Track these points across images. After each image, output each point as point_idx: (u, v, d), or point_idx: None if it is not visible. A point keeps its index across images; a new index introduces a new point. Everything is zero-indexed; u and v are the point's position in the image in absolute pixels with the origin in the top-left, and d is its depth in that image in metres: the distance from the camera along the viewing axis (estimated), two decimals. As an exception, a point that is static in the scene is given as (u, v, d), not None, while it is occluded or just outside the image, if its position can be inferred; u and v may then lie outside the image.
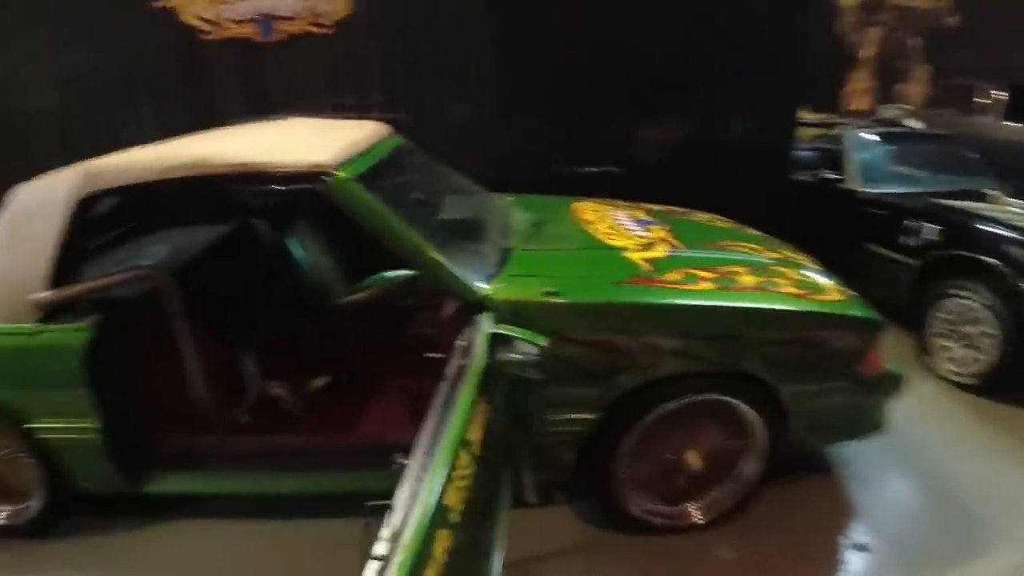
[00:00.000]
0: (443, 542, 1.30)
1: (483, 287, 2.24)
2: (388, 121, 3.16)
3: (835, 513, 2.70)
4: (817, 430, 2.58)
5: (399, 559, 1.18)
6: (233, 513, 2.67)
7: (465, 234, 2.66)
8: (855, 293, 2.70)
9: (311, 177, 2.23)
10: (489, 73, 4.24)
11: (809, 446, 2.78)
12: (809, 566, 2.47)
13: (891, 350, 2.75)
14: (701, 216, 3.40)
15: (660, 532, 2.53)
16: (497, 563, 1.80)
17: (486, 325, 1.96)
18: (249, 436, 2.70)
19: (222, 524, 2.66)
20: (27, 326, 2.39)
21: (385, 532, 1.26)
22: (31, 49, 4.40)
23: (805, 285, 2.57)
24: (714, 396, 2.36)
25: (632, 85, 4.22)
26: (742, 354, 2.30)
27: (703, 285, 2.40)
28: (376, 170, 2.49)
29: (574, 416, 2.30)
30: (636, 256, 2.59)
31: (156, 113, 4.35)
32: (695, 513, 2.55)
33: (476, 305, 2.18)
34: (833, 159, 4.68)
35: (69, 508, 2.69)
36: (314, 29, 4.09)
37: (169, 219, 3.32)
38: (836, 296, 2.59)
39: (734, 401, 2.38)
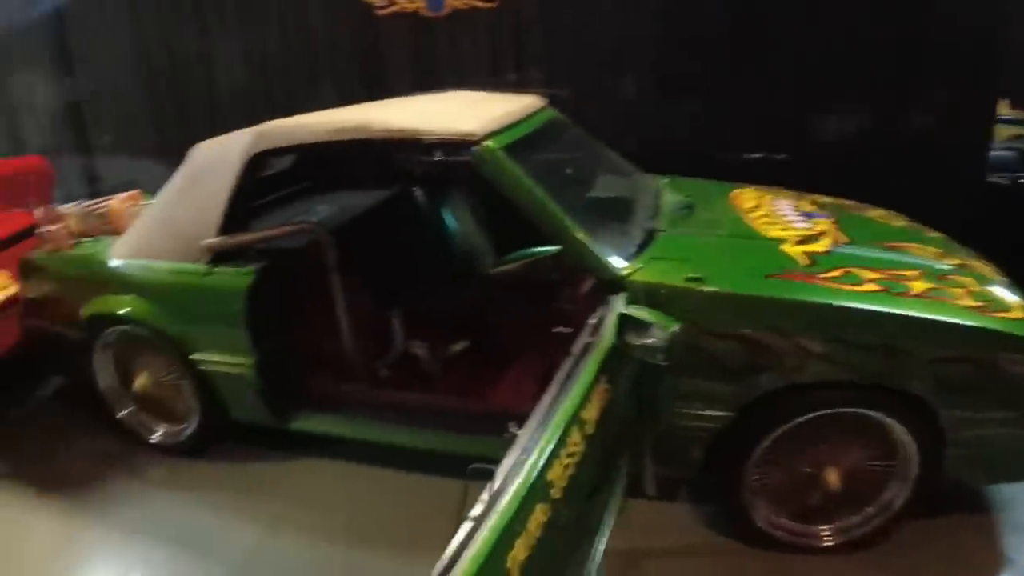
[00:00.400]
0: (540, 516, 1.26)
1: (622, 266, 2.16)
2: (547, 96, 3.13)
3: (983, 562, 2.31)
4: (978, 464, 2.23)
5: (491, 523, 1.15)
6: (363, 459, 2.83)
7: (610, 212, 2.58)
8: None
9: (460, 145, 2.26)
10: (652, 51, 4.06)
11: (967, 481, 2.43)
12: None
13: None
14: (875, 212, 3.05)
15: (782, 548, 2.31)
16: (599, 548, 1.72)
17: (618, 305, 1.88)
18: (388, 389, 2.82)
19: (350, 467, 2.84)
20: (199, 267, 2.66)
21: (484, 496, 1.25)
22: (221, 26, 4.86)
23: (986, 298, 2.22)
24: (864, 411, 2.10)
25: (807, 68, 3.87)
26: (901, 368, 2.03)
27: (867, 287, 2.13)
28: (525, 142, 2.47)
29: (706, 412, 2.15)
30: (794, 249, 2.36)
31: (334, 85, 4.63)
32: (825, 535, 2.30)
33: (613, 284, 2.11)
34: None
35: (220, 435, 2.99)
36: (479, 3, 4.14)
37: (333, 181, 3.56)
38: (1021, 315, 2.19)
39: (887, 419, 2.11)
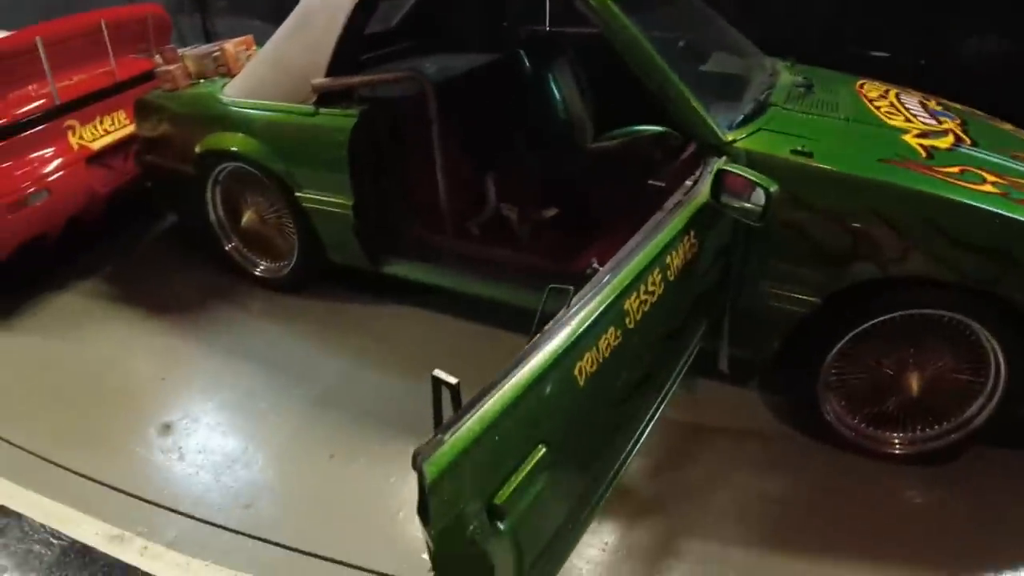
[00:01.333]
0: (611, 339, 1.29)
1: (727, 133, 2.07)
2: None
3: None
4: None
5: (564, 333, 1.20)
6: (447, 309, 3.00)
7: (722, 83, 2.47)
8: None
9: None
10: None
11: None
12: (1005, 547, 2.01)
13: None
14: (1006, 125, 2.80)
15: (850, 448, 2.27)
16: (663, 402, 1.76)
17: (717, 163, 1.82)
18: (477, 245, 2.89)
19: (435, 316, 3.01)
20: (305, 107, 2.75)
21: (561, 313, 1.28)
22: None
23: None
24: (958, 316, 1.99)
25: None
26: (1006, 276, 1.88)
27: (985, 187, 1.97)
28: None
29: (792, 295, 2.10)
30: (914, 140, 2.21)
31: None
32: (896, 443, 2.25)
33: (716, 149, 2.04)
34: None
35: (317, 274, 3.18)
36: None
37: (444, 42, 3.56)
38: None
39: (982, 329, 1.99)
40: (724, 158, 1.97)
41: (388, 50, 3.43)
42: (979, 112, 2.88)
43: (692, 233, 1.65)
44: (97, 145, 3.50)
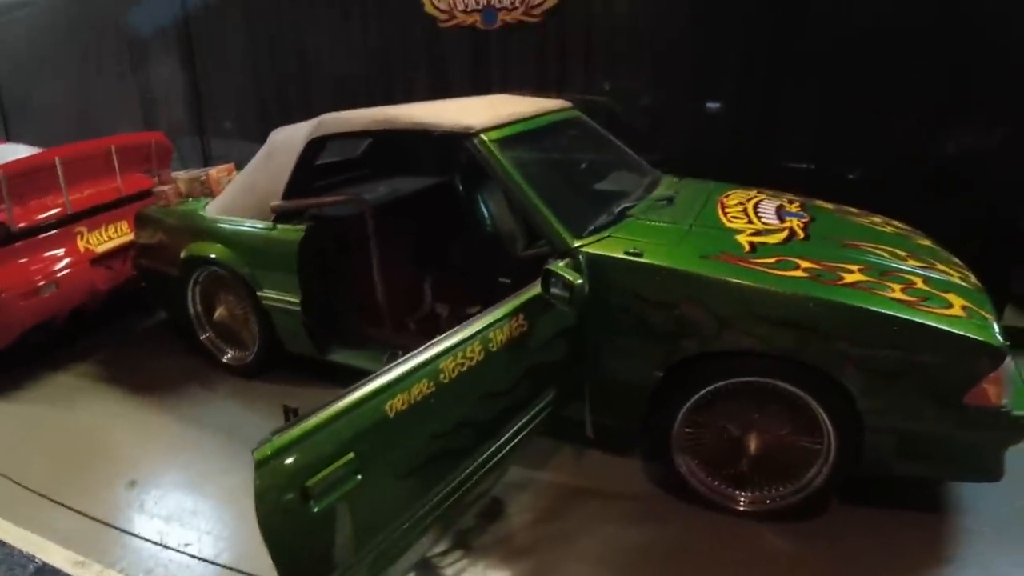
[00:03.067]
0: (423, 387, 1.79)
1: (574, 240, 2.57)
2: (588, 102, 3.59)
3: (918, 556, 2.38)
4: (905, 454, 2.31)
5: (381, 377, 1.70)
6: None
7: (589, 198, 3.01)
8: (991, 316, 2.36)
9: (461, 136, 2.79)
10: (684, 61, 4.39)
11: (900, 472, 2.41)
12: None
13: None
14: (870, 219, 3.20)
15: (704, 504, 2.58)
16: (505, 450, 2.21)
17: (551, 264, 2.35)
18: (412, 336, 3.39)
19: None
20: (266, 223, 3.38)
21: (387, 363, 1.82)
22: (315, 35, 5.70)
23: (926, 296, 2.34)
24: (780, 383, 2.32)
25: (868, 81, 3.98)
26: (814, 348, 2.22)
27: (796, 273, 2.35)
28: (522, 137, 2.96)
29: (636, 368, 2.48)
30: (744, 239, 2.64)
31: (406, 85, 5.33)
32: (741, 500, 2.57)
33: (565, 253, 2.54)
34: None
35: (275, 362, 3.71)
36: (527, 18, 4.69)
37: (390, 167, 4.22)
38: (958, 313, 2.27)
39: (801, 393, 2.31)
40: (566, 260, 2.48)
41: (349, 175, 4.10)
42: (851, 210, 3.30)
43: (520, 316, 2.16)
44: (101, 249, 4.13)
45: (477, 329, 1.99)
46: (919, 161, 3.97)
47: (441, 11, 4.94)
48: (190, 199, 3.98)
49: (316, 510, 1.63)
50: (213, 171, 4.09)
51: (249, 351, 3.74)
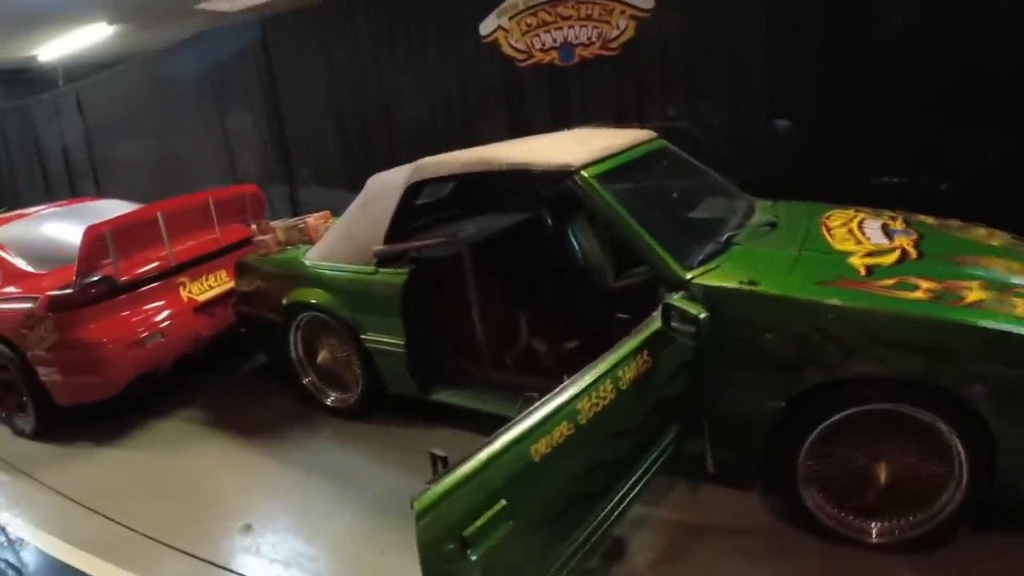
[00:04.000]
0: (563, 429, 1.80)
1: (686, 272, 2.57)
2: (669, 129, 3.62)
3: None
4: None
5: (524, 422, 1.71)
6: (488, 429, 3.40)
7: (693, 228, 3.00)
8: None
9: (560, 175, 2.83)
10: (759, 80, 4.37)
11: None
12: None
13: None
14: (977, 232, 3.11)
15: (831, 537, 2.50)
16: (636, 487, 2.18)
17: (667, 297, 2.34)
18: (511, 374, 3.43)
19: (478, 437, 3.40)
20: (368, 268, 3.46)
21: (521, 408, 1.82)
22: (397, 79, 5.88)
23: None
24: (911, 409, 2.26)
25: (948, 91, 3.89)
26: (944, 370, 2.17)
27: (917, 294, 2.32)
28: (621, 170, 2.99)
29: (758, 401, 2.43)
30: (857, 261, 2.60)
31: (487, 125, 5.42)
32: (872, 531, 2.48)
33: (677, 285, 2.53)
34: None
35: (379, 403, 3.75)
36: (605, 52, 4.74)
37: (482, 206, 4.29)
38: None
39: (930, 418, 2.24)
40: (681, 293, 2.46)
41: (439, 216, 4.19)
42: (953, 223, 3.21)
43: (645, 352, 2.15)
44: (203, 298, 4.30)
45: (607, 368, 1.99)
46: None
47: (519, 51, 5.05)
48: (289, 247, 4.11)
49: (474, 559, 1.63)
50: (311, 219, 4.23)
51: (352, 393, 3.82)
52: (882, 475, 2.40)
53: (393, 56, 5.82)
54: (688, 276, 2.55)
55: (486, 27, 5.17)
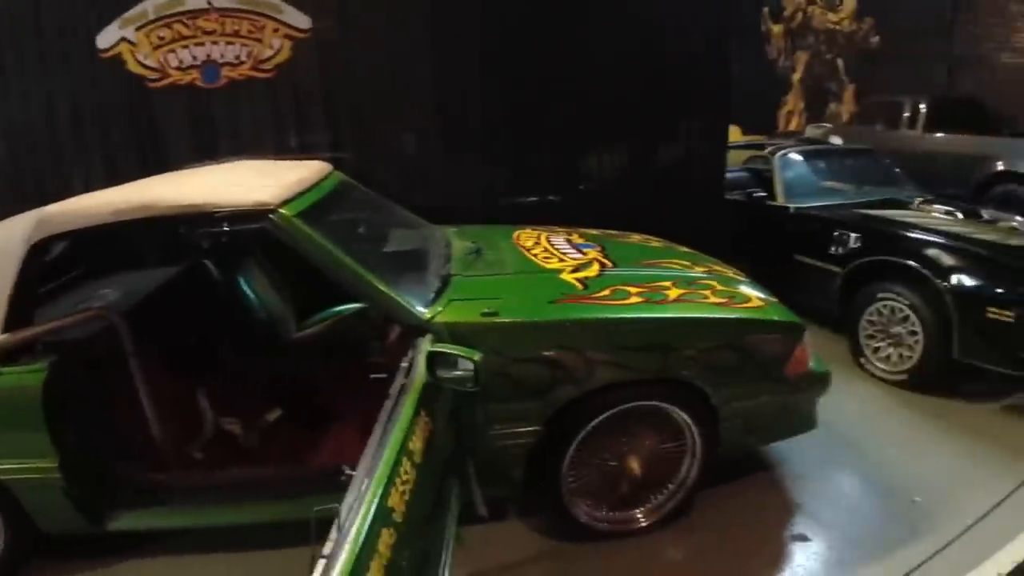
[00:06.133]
0: (387, 538, 1.42)
1: (424, 311, 2.35)
2: (331, 160, 3.27)
3: (776, 508, 2.85)
4: (751, 431, 2.74)
5: (345, 552, 1.29)
6: (196, 545, 2.69)
7: (406, 264, 2.78)
8: (775, 299, 2.91)
9: (256, 215, 2.34)
10: (429, 111, 4.44)
11: (746, 447, 2.92)
12: (754, 559, 2.60)
13: (827, 355, 2.97)
14: (635, 237, 3.59)
15: (609, 538, 2.64)
16: (447, 566, 1.90)
17: (426, 345, 2.09)
18: (205, 471, 2.72)
19: (185, 559, 2.68)
20: (-19, 371, 2.42)
21: (333, 532, 1.37)
22: None
23: (729, 295, 2.76)
24: (649, 403, 2.50)
25: (568, 119, 4.44)
26: (673, 362, 2.46)
27: (632, 300, 2.58)
28: (319, 206, 2.60)
29: (517, 430, 2.41)
30: (570, 276, 2.74)
31: (106, 160, 4.39)
32: (640, 517, 2.67)
33: (418, 328, 2.29)
34: (764, 178, 4.99)
35: (31, 551, 2.68)
36: (256, 74, 4.24)
37: (122, 261, 3.39)
38: (758, 303, 2.80)
39: (667, 407, 2.52)
40: (429, 336, 2.22)
41: (61, 280, 3.18)
42: (612, 232, 3.60)
43: (423, 412, 1.87)
44: None
45: (398, 446, 1.63)
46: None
47: (150, 69, 4.19)
48: None
49: None
50: None
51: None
52: (634, 466, 2.59)
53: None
54: (428, 316, 2.34)
55: (106, 39, 4.20)
